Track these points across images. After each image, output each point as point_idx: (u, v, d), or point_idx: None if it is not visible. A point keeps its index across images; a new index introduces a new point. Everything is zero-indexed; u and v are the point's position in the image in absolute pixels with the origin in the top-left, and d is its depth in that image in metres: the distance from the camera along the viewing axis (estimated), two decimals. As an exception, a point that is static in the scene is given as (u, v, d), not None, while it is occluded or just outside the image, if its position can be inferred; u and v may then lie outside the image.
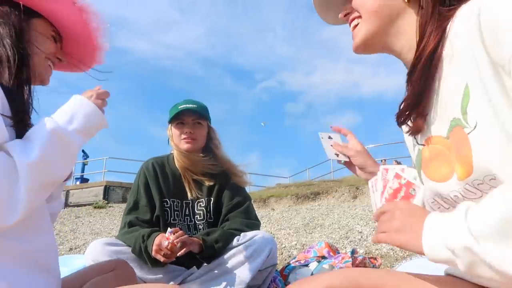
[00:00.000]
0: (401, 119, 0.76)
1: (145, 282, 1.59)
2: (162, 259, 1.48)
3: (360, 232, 3.60)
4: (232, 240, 1.64)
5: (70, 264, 1.94)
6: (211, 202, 1.76)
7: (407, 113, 0.74)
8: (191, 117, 1.74)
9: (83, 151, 13.41)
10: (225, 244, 1.61)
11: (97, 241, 1.62)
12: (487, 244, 0.48)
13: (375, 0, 0.72)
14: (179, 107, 1.72)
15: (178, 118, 1.74)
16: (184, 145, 1.72)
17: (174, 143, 1.76)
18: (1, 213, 0.68)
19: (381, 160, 8.98)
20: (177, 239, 1.45)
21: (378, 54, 0.82)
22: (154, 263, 1.55)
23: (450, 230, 0.54)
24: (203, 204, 1.76)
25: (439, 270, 0.79)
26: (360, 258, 1.86)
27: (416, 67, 0.69)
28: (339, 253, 2.04)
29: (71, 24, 0.97)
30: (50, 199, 0.97)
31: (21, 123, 0.80)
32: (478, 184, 0.62)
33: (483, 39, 0.56)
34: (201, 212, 1.76)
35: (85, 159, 13.46)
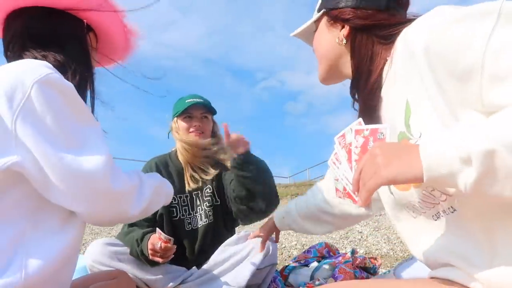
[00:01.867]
0: None
1: (145, 283, 1.60)
2: (160, 260, 1.48)
3: (360, 232, 3.60)
4: (268, 170, 1.61)
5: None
6: (214, 186, 1.77)
7: None
8: (199, 111, 1.76)
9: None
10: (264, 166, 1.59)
11: (97, 241, 1.62)
12: None
13: (320, 47, 0.90)
14: (187, 101, 1.74)
15: (186, 112, 1.75)
16: (193, 138, 1.74)
17: (180, 136, 1.77)
18: (131, 206, 0.85)
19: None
20: (168, 242, 1.45)
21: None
22: (153, 264, 1.56)
23: (460, 137, 0.52)
24: (210, 190, 1.77)
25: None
26: (360, 258, 1.85)
27: (362, 95, 0.81)
28: (339, 253, 2.04)
29: (114, 39, 1.03)
30: None
31: None
32: (431, 191, 0.66)
33: (430, 61, 0.62)
34: (209, 198, 1.77)
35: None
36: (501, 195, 0.51)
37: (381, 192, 0.87)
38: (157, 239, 1.47)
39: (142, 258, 1.54)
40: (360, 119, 0.71)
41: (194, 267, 1.68)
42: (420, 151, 0.55)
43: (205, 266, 1.65)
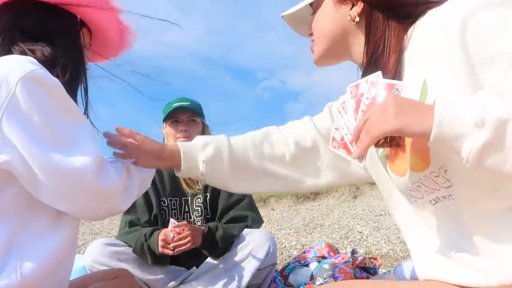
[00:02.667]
0: None
1: (145, 284, 1.59)
2: (170, 252, 1.49)
3: (360, 232, 3.60)
4: (235, 230, 1.64)
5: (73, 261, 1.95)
6: (208, 198, 1.76)
7: None
8: (185, 114, 1.74)
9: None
10: (225, 232, 1.61)
11: (97, 242, 1.62)
12: None
13: (326, 25, 0.83)
14: (173, 105, 1.73)
15: (172, 117, 1.74)
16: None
17: (169, 142, 1.77)
18: (121, 202, 0.84)
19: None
20: (181, 231, 1.47)
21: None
22: (156, 261, 1.55)
23: (479, 103, 0.51)
24: (200, 200, 1.76)
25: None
26: (360, 258, 1.85)
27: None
28: (339, 253, 2.04)
29: (109, 35, 1.01)
30: None
31: None
32: (435, 177, 0.64)
33: (464, 43, 0.59)
34: (199, 208, 1.76)
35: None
36: (501, 169, 0.50)
37: (378, 174, 0.86)
38: (170, 231, 1.47)
39: (148, 253, 1.54)
40: (379, 72, 0.67)
41: (194, 267, 1.68)
42: (435, 107, 0.53)
43: (205, 266, 1.65)
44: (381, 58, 0.75)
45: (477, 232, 0.63)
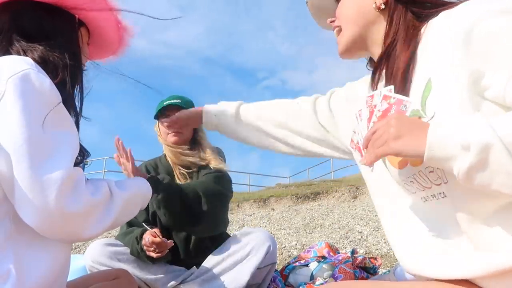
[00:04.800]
0: None
1: (145, 283, 1.60)
2: (154, 255, 1.49)
3: (360, 232, 3.60)
4: (178, 189, 1.56)
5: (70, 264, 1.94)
6: None
7: None
8: (175, 111, 1.71)
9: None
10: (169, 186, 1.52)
11: (97, 242, 1.62)
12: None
13: (352, 10, 0.85)
14: (164, 103, 1.75)
15: (163, 114, 1.76)
16: (171, 138, 1.74)
17: (162, 139, 1.79)
18: (87, 228, 0.77)
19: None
20: (155, 236, 1.48)
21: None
22: (154, 260, 1.56)
23: (467, 126, 0.55)
24: None
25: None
26: (360, 258, 1.85)
27: (395, 66, 0.78)
28: (339, 253, 2.04)
29: (107, 34, 1.02)
30: None
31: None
32: (429, 172, 0.68)
33: (470, 47, 0.62)
34: None
35: (85, 158, 13.42)
36: (488, 187, 0.54)
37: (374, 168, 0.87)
38: (148, 234, 1.49)
39: (142, 255, 1.54)
40: (392, 86, 0.74)
41: (194, 267, 1.68)
42: (428, 131, 0.58)
43: (205, 265, 1.65)
44: (395, 49, 0.79)
45: (470, 229, 0.64)
